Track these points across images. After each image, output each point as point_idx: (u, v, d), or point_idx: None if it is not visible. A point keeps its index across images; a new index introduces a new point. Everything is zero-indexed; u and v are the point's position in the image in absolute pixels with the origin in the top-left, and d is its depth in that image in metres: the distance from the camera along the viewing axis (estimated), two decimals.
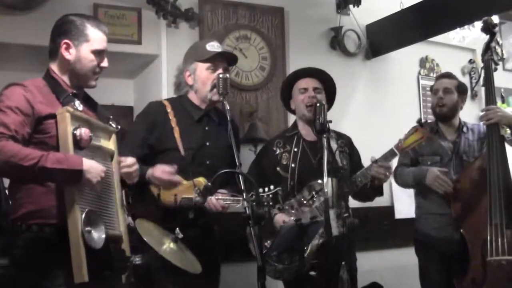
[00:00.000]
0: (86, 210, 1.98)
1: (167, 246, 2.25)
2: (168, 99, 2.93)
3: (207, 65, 2.81)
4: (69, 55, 2.16)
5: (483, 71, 3.15)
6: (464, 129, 3.37)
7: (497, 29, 3.22)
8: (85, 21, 2.20)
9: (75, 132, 2.01)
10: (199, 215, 2.60)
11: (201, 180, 2.60)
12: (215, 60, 2.81)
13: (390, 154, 2.81)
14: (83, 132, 2.02)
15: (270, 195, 2.51)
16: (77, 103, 2.17)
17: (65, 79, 2.19)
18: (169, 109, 2.80)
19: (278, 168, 2.96)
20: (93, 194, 2.08)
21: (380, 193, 3.03)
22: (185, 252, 2.34)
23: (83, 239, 1.92)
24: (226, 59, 2.89)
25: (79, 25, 2.17)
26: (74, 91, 2.19)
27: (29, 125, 2.01)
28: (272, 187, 2.53)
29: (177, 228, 2.30)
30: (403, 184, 3.44)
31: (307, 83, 3.02)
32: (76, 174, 1.96)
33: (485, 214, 2.92)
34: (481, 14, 3.53)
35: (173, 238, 2.30)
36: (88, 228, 1.95)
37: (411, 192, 3.98)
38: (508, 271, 2.84)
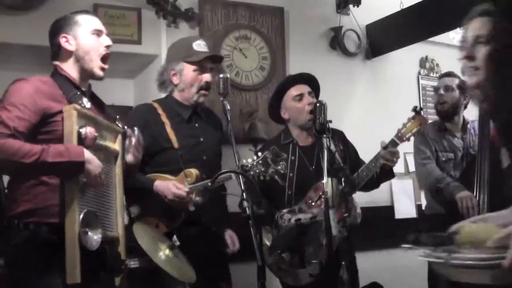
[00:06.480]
0: (85, 210, 1.97)
1: (163, 253, 2.23)
2: (156, 101, 2.89)
3: (194, 66, 2.78)
4: (71, 46, 2.18)
5: None
6: (469, 125, 3.45)
7: None
8: (74, 14, 2.25)
9: (80, 130, 2.01)
10: (198, 215, 2.61)
11: (192, 171, 2.61)
12: (202, 61, 2.79)
13: (391, 145, 2.84)
14: (89, 130, 2.02)
15: (260, 161, 2.50)
16: (85, 100, 2.17)
17: (73, 74, 2.19)
18: (160, 111, 2.78)
19: (276, 177, 2.95)
20: (93, 194, 2.07)
21: (391, 176, 3.01)
22: (181, 259, 2.31)
23: (79, 240, 1.92)
24: (211, 58, 2.88)
25: (69, 18, 2.22)
26: (82, 89, 2.19)
27: (35, 121, 2.00)
28: (259, 154, 2.52)
29: (175, 236, 2.29)
30: (424, 182, 3.43)
31: (299, 89, 3.00)
32: (77, 166, 1.96)
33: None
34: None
35: (170, 245, 2.27)
36: (85, 229, 1.94)
37: (411, 192, 3.97)
38: None
